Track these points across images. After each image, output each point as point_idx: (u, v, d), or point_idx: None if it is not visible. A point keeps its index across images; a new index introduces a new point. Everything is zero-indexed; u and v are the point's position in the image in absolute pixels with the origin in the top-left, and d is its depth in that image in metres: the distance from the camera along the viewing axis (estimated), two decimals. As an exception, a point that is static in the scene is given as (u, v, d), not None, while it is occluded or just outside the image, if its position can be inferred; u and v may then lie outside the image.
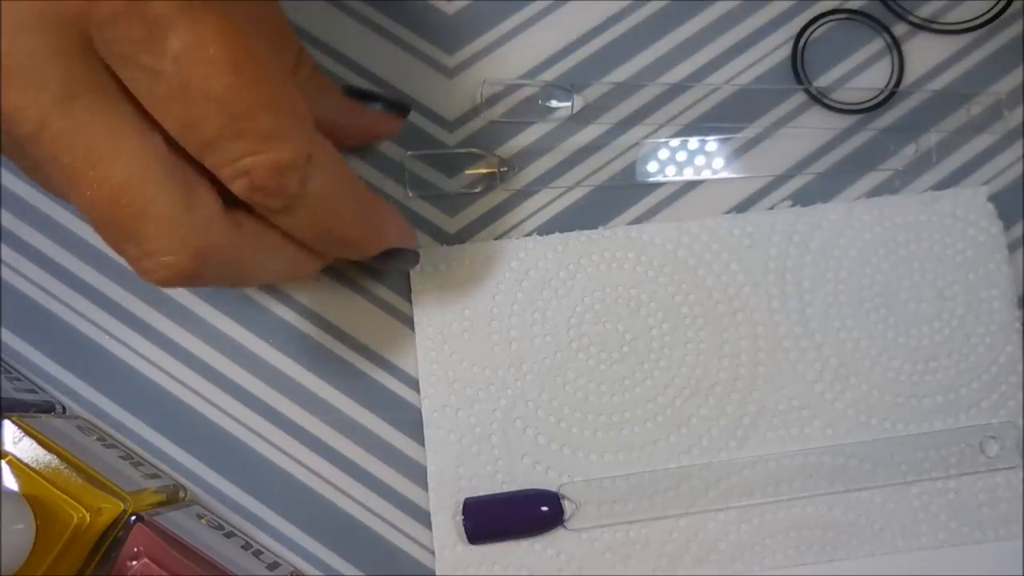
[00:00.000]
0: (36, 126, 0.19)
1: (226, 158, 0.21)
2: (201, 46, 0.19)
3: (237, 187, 0.21)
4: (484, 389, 0.32)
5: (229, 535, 0.30)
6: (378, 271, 0.33)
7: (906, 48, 0.34)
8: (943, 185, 0.34)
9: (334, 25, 0.34)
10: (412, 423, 0.32)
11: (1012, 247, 0.33)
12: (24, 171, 0.24)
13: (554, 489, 0.31)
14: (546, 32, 0.34)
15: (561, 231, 0.33)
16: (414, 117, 0.33)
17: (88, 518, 0.26)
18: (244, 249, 0.23)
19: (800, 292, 0.32)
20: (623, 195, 0.33)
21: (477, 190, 0.33)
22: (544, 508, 0.30)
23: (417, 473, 0.32)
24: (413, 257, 0.29)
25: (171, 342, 0.32)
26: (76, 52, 0.19)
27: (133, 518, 0.27)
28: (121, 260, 0.32)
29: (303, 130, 0.22)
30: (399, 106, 0.30)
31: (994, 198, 0.33)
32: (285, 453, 0.32)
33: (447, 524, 0.31)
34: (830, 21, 0.34)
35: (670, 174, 0.33)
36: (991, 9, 0.34)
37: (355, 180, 0.24)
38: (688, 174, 0.33)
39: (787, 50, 0.34)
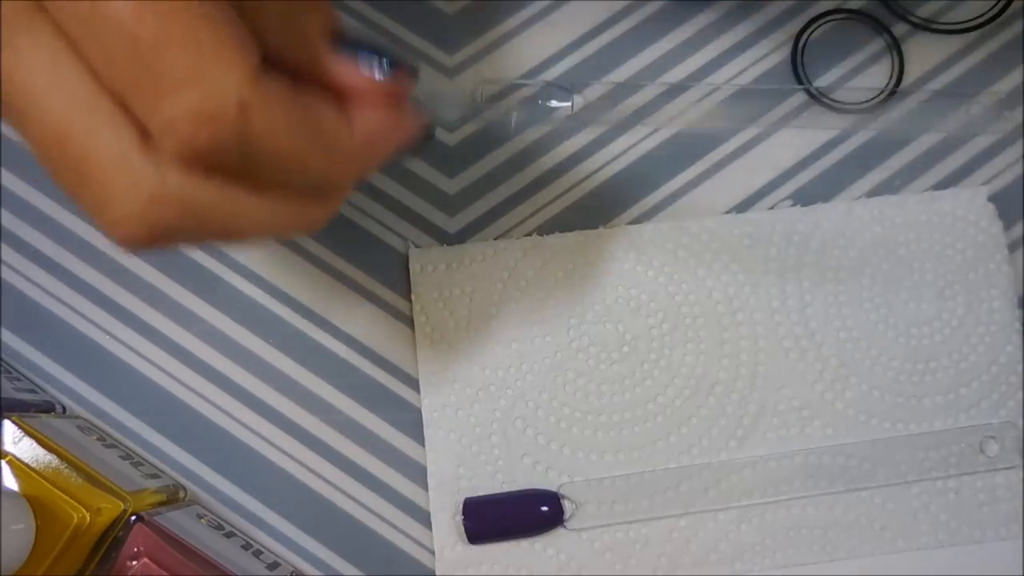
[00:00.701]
0: None
1: (144, 104, 0.17)
2: None
3: (169, 148, 0.18)
4: (484, 389, 0.32)
5: (229, 535, 0.30)
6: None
7: (906, 48, 0.34)
8: (943, 185, 0.34)
9: (334, 25, 0.34)
10: (412, 423, 0.32)
11: (1012, 247, 0.33)
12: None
13: (554, 489, 0.31)
14: (546, 32, 0.34)
15: (561, 231, 0.33)
16: (414, 117, 0.33)
17: (88, 518, 0.26)
18: (212, 196, 0.19)
19: (800, 292, 0.32)
20: (623, 195, 0.33)
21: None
22: (544, 508, 0.30)
23: (417, 473, 0.32)
24: (427, 133, 0.24)
25: (171, 342, 0.32)
26: None
27: (133, 518, 0.27)
28: (121, 260, 0.32)
29: (234, 71, 0.17)
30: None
31: (994, 198, 0.33)
32: (285, 453, 0.32)
33: (447, 524, 0.31)
34: (830, 21, 0.34)
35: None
36: (991, 9, 0.34)
37: (321, 119, 0.19)
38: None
39: (787, 50, 0.34)
